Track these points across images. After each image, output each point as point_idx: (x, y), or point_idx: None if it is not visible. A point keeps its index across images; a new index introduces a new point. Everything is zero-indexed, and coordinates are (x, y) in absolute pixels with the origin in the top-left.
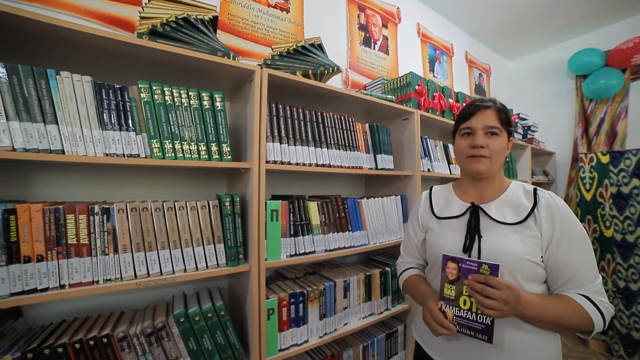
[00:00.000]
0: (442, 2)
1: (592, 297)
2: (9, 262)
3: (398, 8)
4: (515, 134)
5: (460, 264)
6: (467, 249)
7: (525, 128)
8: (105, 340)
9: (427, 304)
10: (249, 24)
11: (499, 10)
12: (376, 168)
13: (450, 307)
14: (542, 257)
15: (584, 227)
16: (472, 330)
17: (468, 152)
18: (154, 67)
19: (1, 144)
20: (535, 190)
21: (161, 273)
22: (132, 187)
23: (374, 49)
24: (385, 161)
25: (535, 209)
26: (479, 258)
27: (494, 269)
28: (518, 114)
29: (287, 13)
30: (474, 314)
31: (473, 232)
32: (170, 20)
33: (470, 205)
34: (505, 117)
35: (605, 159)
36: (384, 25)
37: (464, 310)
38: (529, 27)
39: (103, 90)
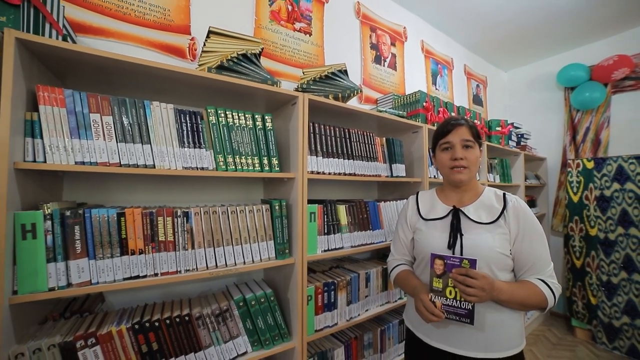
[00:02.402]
0: (444, 21)
1: (547, 280)
2: (122, 254)
3: (405, 27)
4: (509, 141)
5: (445, 260)
6: (451, 245)
7: (519, 136)
8: (187, 318)
9: (419, 296)
10: (278, 47)
11: (495, 28)
12: (391, 176)
13: (439, 297)
14: (510, 250)
15: (572, 227)
16: (457, 315)
17: (450, 164)
18: (215, 93)
19: (112, 161)
20: (504, 194)
21: (226, 265)
22: (192, 193)
23: (383, 65)
24: (399, 169)
25: (505, 211)
26: (461, 254)
27: (473, 263)
28: (512, 123)
29: (310, 36)
30: (458, 301)
31: (455, 231)
32: (233, 56)
33: (452, 208)
34: (475, 132)
35: (590, 165)
36: (392, 44)
37: (450, 299)
38: (522, 42)
39: (181, 114)
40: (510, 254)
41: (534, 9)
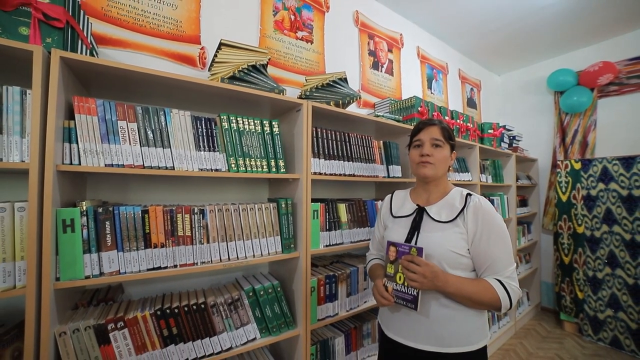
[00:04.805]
0: (439, 28)
1: (504, 281)
2: (145, 247)
3: (401, 34)
4: (502, 143)
5: (397, 248)
6: (407, 241)
7: (511, 138)
8: (203, 306)
9: (375, 281)
10: (282, 55)
11: (489, 34)
12: (388, 176)
13: (391, 282)
14: (468, 249)
15: (560, 225)
16: (404, 300)
17: (418, 160)
18: (226, 100)
19: (136, 164)
20: (467, 195)
21: (237, 258)
22: (204, 192)
23: (381, 71)
24: (395, 170)
25: (464, 210)
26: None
27: (420, 251)
28: (504, 126)
29: (311, 44)
30: (405, 287)
31: (414, 229)
32: (244, 67)
33: (417, 207)
34: (447, 134)
35: (577, 166)
36: (389, 50)
37: (399, 284)
38: (514, 47)
39: (197, 121)
40: (469, 252)
41: (525, 17)
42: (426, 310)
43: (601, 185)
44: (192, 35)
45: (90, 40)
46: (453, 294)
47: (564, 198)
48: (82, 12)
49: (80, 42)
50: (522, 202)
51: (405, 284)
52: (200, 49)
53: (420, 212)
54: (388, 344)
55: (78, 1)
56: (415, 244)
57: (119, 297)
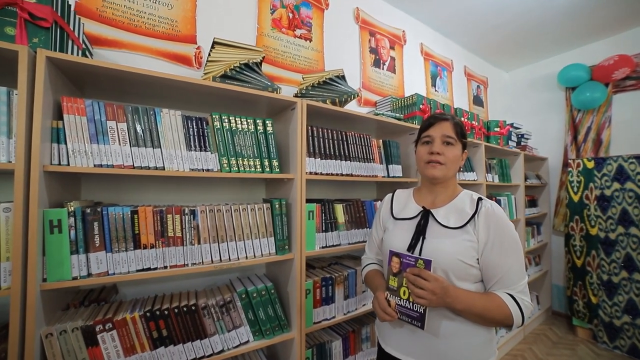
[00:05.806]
0: (443, 24)
1: (516, 296)
2: (135, 248)
3: (404, 31)
4: (509, 141)
5: (401, 259)
6: (411, 247)
7: (519, 136)
8: (193, 308)
9: (376, 294)
10: (280, 53)
11: (495, 29)
12: (388, 176)
13: (393, 296)
14: (477, 259)
15: (572, 226)
16: (409, 317)
17: (426, 158)
18: (219, 99)
19: (126, 164)
20: (479, 199)
21: (229, 259)
22: (198, 193)
23: (382, 69)
24: (395, 170)
25: (476, 216)
26: (420, 256)
27: (428, 263)
28: (512, 124)
29: (310, 42)
30: (411, 303)
31: (419, 233)
32: (236, 66)
33: (422, 209)
34: (460, 131)
35: (590, 165)
36: (392, 47)
37: (403, 299)
38: (522, 43)
39: (188, 120)
40: (478, 263)
41: (532, 11)
42: (434, 328)
43: (616, 185)
44: (188, 35)
45: (84, 41)
46: (462, 311)
47: (575, 198)
48: (72, 12)
49: (71, 42)
50: (532, 203)
51: (411, 299)
52: (197, 49)
53: (425, 215)
54: (386, 358)
55: (67, 1)
56: (421, 250)
57: (113, 297)
